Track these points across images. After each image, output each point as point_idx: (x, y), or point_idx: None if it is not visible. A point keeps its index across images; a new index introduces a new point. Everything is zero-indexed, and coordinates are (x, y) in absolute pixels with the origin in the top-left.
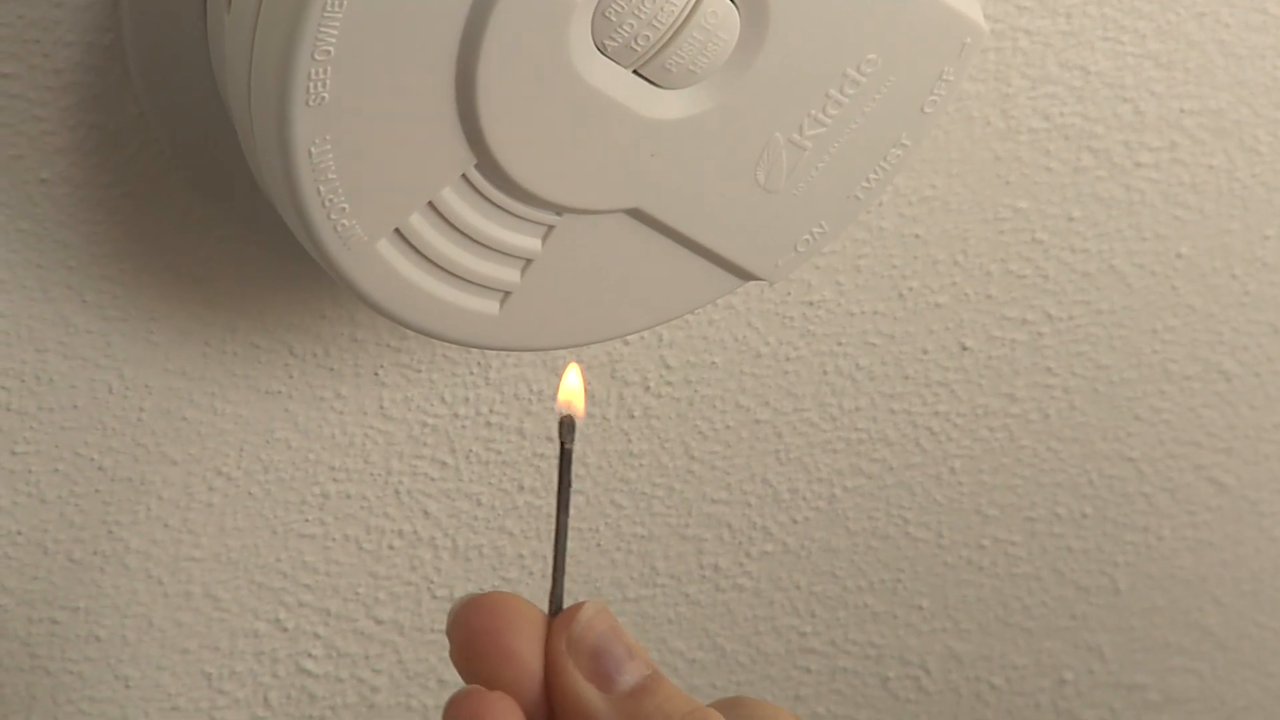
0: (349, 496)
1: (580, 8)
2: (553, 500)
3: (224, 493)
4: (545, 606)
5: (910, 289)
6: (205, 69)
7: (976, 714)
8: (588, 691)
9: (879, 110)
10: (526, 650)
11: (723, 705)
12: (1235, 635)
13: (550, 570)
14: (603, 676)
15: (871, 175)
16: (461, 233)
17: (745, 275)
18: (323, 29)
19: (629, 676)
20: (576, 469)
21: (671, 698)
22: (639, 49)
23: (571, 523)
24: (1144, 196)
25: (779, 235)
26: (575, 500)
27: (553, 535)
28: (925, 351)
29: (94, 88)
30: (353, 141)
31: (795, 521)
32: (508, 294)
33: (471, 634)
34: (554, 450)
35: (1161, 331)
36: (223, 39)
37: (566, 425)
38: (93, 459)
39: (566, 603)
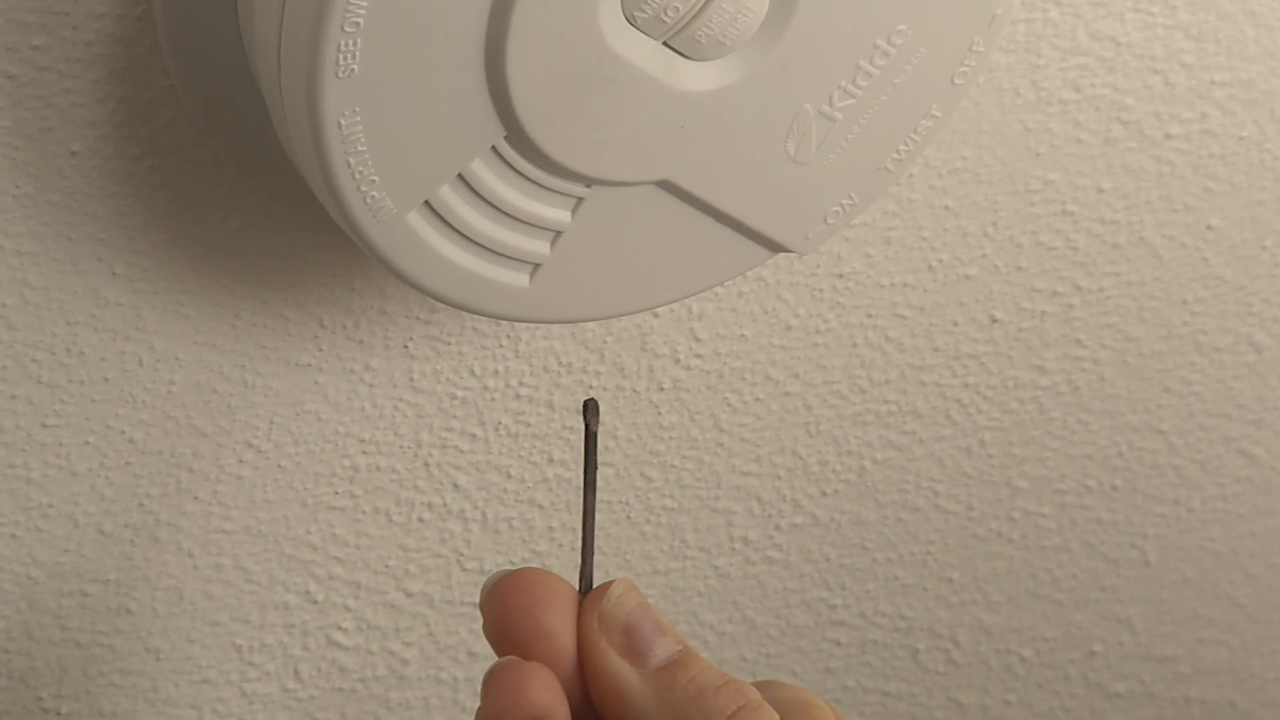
0: (379, 469)
1: None
2: (581, 474)
3: (254, 465)
4: (575, 583)
5: (940, 261)
6: (235, 41)
7: (1006, 686)
8: (621, 667)
9: (909, 82)
10: (559, 626)
11: (756, 686)
12: (1265, 607)
13: (580, 549)
14: (635, 652)
15: (901, 147)
16: (491, 205)
17: (775, 247)
18: (352, 1)
19: (661, 652)
20: (605, 441)
21: (704, 670)
22: (669, 21)
23: (601, 496)
24: (1174, 168)
25: (809, 207)
26: (605, 473)
27: (580, 516)
28: (955, 324)
29: (124, 60)
30: (382, 113)
31: (825, 494)
32: (537, 266)
33: (505, 609)
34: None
35: (1192, 303)
36: (253, 11)
37: (591, 407)
38: (123, 432)
39: (596, 580)
